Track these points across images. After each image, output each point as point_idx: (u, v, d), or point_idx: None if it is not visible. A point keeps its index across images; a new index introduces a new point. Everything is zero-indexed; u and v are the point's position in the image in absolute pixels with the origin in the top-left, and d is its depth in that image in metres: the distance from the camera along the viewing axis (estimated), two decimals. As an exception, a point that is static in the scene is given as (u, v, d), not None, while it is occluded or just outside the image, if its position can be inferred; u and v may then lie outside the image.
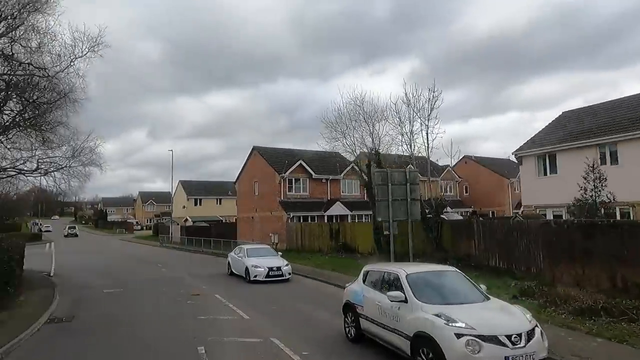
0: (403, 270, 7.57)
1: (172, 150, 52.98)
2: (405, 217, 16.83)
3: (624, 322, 8.60)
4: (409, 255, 17.09)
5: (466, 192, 47.00)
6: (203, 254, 32.86)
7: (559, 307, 9.93)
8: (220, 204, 64.74)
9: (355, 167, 31.43)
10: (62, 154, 20.53)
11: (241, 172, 38.63)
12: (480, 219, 20.91)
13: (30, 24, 14.61)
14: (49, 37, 14.78)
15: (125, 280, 18.66)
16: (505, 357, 5.65)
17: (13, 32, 14.22)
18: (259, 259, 17.53)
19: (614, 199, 14.10)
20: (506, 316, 6.38)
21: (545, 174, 21.54)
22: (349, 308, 8.71)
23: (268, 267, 16.85)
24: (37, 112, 17.70)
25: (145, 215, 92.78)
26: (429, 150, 20.84)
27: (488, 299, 7.11)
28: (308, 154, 35.89)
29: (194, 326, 10.23)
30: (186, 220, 58.08)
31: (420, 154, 22.05)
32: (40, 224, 75.04)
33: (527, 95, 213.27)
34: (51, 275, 20.63)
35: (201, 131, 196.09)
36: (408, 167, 20.06)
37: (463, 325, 5.88)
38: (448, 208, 29.72)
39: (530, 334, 5.98)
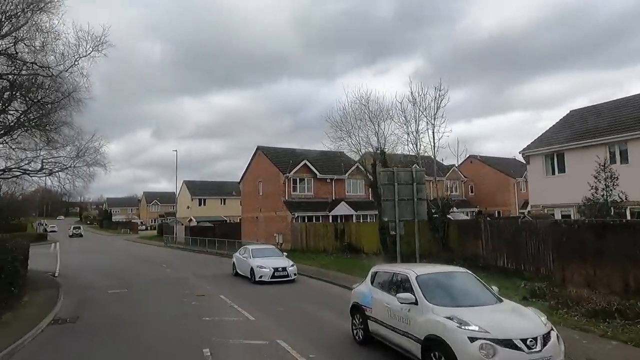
0: (413, 271, 7.39)
1: (176, 151, 53.87)
2: (411, 217, 16.63)
3: (640, 325, 8.38)
4: (415, 256, 16.90)
5: (471, 192, 46.70)
6: (207, 254, 32.77)
7: (571, 308, 9.72)
8: (224, 204, 64.74)
9: (360, 166, 31.26)
10: (67, 154, 20.52)
11: (245, 172, 38.53)
12: (488, 218, 20.67)
13: (34, 23, 14.55)
14: (52, 35, 14.73)
15: (130, 280, 18.58)
16: (520, 361, 5.45)
17: (17, 32, 14.16)
18: (264, 259, 17.38)
19: (626, 199, 13.85)
20: (521, 319, 6.19)
21: (553, 173, 21.27)
22: (356, 310, 8.53)
23: (273, 268, 16.70)
24: (41, 112, 17.66)
25: (149, 216, 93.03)
26: (435, 149, 20.63)
27: (500, 301, 6.92)
28: (312, 153, 35.75)
29: (198, 327, 10.10)
30: (190, 220, 58.10)
31: (426, 153, 21.85)
32: (46, 224, 75.35)
33: (530, 95, 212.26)
34: (56, 275, 20.59)
35: (205, 131, 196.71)
36: (413, 166, 19.86)
37: (476, 328, 5.69)
38: (454, 208, 29.46)
39: (546, 338, 5.78)
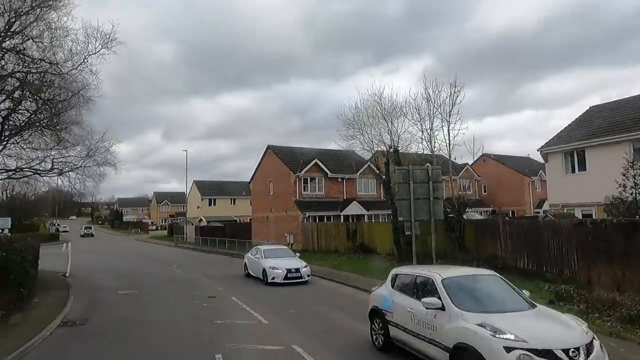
0: (438, 274, 6.92)
1: (186, 150, 53.64)
2: (427, 217, 16.14)
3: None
4: (429, 256, 16.43)
5: (484, 191, 45.89)
6: (218, 254, 32.56)
7: (602, 313, 9.20)
8: (234, 204, 64.64)
9: (372, 165, 30.78)
10: (77, 153, 20.36)
11: (255, 171, 38.26)
12: (507, 218, 20.07)
13: (43, 20, 14.35)
14: (61, 32, 14.51)
15: (140, 281, 18.36)
16: (562, 374, 4.99)
17: (27, 29, 13.98)
18: (277, 260, 17.01)
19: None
20: (560, 327, 5.69)
21: (573, 171, 20.58)
22: (376, 314, 8.09)
23: (286, 269, 16.32)
24: (51, 111, 17.52)
25: (160, 216, 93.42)
26: (451, 147, 20.08)
27: (534, 306, 6.42)
28: (323, 152, 35.36)
29: (210, 331, 9.77)
30: (200, 220, 58.07)
31: (440, 151, 21.31)
32: (58, 224, 75.99)
33: (542, 93, 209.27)
34: (66, 275, 20.53)
35: (215, 132, 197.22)
36: (426, 165, 19.35)
37: (512, 337, 5.22)
38: (468, 207, 28.85)
39: (589, 348, 5.30)
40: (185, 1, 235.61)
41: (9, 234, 25.25)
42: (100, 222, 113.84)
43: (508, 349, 5.09)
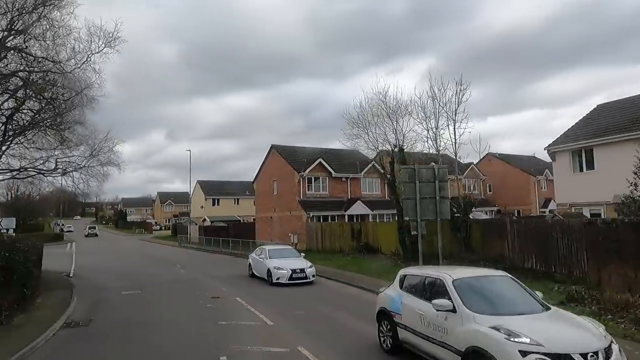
0: (448, 275, 6.74)
1: (190, 150, 53.13)
2: (434, 216, 15.94)
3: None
4: (435, 256, 16.22)
5: (489, 191, 45.56)
6: (221, 254, 32.47)
7: (615, 315, 8.98)
8: (238, 203, 64.57)
9: (376, 165, 30.57)
10: (80, 153, 20.32)
11: (259, 171, 38.14)
12: (514, 217, 19.83)
13: (47, 19, 14.26)
14: (64, 31, 14.41)
15: (144, 281, 18.26)
16: (581, 380, 4.80)
17: (30, 28, 13.89)
18: (281, 260, 16.85)
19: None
20: (577, 330, 5.50)
21: (580, 169, 20.33)
22: (384, 316, 7.91)
23: (291, 269, 16.15)
24: (55, 111, 17.45)
25: (163, 216, 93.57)
26: (457, 146, 19.88)
27: (548, 308, 6.23)
28: (327, 152, 35.19)
29: (214, 332, 9.63)
30: (204, 220, 58.04)
31: (446, 150, 21.11)
32: (62, 224, 76.24)
33: (546, 93, 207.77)
34: (70, 275, 20.47)
35: (218, 132, 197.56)
36: (431, 163, 19.16)
37: (528, 340, 5.03)
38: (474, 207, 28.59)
39: (607, 352, 5.11)
40: (188, 1, 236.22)
41: (14, 234, 25.28)
42: (104, 222, 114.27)
43: (524, 353, 4.91)
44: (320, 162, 32.54)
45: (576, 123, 22.35)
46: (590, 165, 19.79)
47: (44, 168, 19.63)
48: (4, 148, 17.83)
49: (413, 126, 22.08)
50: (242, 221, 55.09)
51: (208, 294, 14.48)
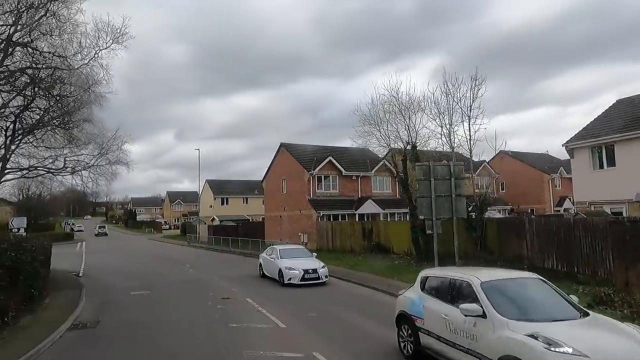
0: (475, 277, 6.28)
1: (198, 149, 52.71)
2: (449, 215, 15.46)
3: None
4: (451, 256, 15.74)
5: (502, 189, 44.75)
6: (231, 253, 32.20)
7: (650, 319, 8.42)
8: (247, 203, 64.34)
9: (387, 163, 30.07)
10: (89, 152, 20.24)
11: (268, 170, 37.80)
12: (533, 216, 19.24)
13: (54, 14, 14.03)
14: (71, 26, 14.19)
15: (153, 281, 18.00)
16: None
17: (37, 23, 13.68)
18: (293, 260, 16.44)
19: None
20: (622, 339, 5.00)
21: (601, 167, 19.65)
22: (404, 319, 7.47)
23: (303, 270, 15.73)
24: (63, 109, 17.30)
25: (173, 215, 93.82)
26: (472, 143, 19.32)
27: (586, 314, 5.74)
28: (337, 150, 34.72)
29: (225, 335, 9.27)
30: (213, 219, 57.93)
31: (460, 147, 20.55)
32: (73, 224, 76.80)
33: (556, 90, 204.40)
34: (80, 275, 20.33)
35: (227, 132, 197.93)
36: (444, 161, 18.63)
37: (570, 350, 4.57)
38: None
39: (659, 363, 4.63)
40: (196, 2, 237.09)
41: (25, 233, 25.25)
42: (114, 222, 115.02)
43: (567, 365, 4.44)
44: (330, 160, 32.10)
45: (595, 118, 21.64)
46: (611, 162, 19.11)
47: (53, 167, 19.54)
48: (13, 147, 17.73)
49: (426, 123, 21.48)
50: (251, 220, 54.86)
51: (218, 295, 14.14)
